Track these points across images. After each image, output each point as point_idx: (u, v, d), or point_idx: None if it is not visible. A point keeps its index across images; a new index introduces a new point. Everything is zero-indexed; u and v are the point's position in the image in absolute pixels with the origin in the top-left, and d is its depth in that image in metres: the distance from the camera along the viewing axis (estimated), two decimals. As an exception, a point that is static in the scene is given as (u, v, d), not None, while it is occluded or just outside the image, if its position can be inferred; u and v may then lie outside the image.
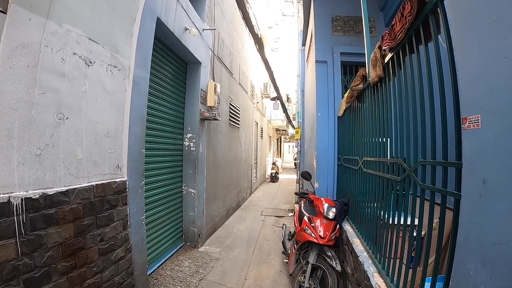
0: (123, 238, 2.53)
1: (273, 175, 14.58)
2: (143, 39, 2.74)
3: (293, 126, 17.24)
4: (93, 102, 2.19)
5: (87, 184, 2.14)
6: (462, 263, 0.89)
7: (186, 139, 4.39)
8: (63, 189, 1.93)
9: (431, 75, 1.30)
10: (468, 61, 0.87)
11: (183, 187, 4.41)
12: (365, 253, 2.32)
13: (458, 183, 1.09)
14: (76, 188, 2.04)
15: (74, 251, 2.01)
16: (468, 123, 0.87)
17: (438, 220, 1.46)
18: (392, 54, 1.72)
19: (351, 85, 2.69)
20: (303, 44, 7.53)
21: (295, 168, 23.02)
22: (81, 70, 2.07)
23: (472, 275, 0.84)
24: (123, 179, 2.51)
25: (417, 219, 1.78)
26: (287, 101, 18.19)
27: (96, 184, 2.22)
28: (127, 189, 2.55)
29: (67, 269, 1.90)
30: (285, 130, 22.42)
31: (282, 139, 28.96)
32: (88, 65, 2.14)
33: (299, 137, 8.44)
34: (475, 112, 0.84)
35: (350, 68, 4.46)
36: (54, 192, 1.86)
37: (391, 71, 1.82)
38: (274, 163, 15.62)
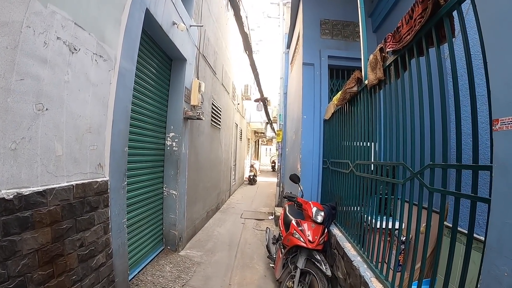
0: (104, 243, 2.34)
1: (251, 177, 14.51)
2: (131, 29, 2.57)
3: (273, 128, 17.31)
4: (76, 93, 2.00)
5: (66, 184, 1.94)
6: (494, 265, 0.88)
7: (168, 139, 4.20)
8: (40, 189, 1.73)
9: (443, 77, 1.30)
10: (502, 63, 0.87)
11: (164, 188, 4.21)
12: (359, 258, 2.31)
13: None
14: (55, 188, 1.84)
15: (52, 258, 1.81)
16: (501, 124, 0.86)
17: (425, 224, 1.47)
18: (396, 56, 1.72)
19: (345, 88, 2.70)
20: (288, 47, 7.59)
21: (273, 171, 23.14)
22: (64, 57, 1.88)
23: (507, 276, 0.83)
24: (104, 179, 2.32)
25: (402, 223, 1.80)
26: (267, 103, 18.25)
27: (76, 184, 2.02)
28: (108, 190, 2.36)
29: (44, 279, 1.70)
30: (263, 133, 22.47)
31: (260, 142, 29.02)
32: (73, 52, 1.95)
33: (280, 140, 8.46)
34: (510, 113, 0.83)
35: (337, 72, 4.52)
36: (30, 192, 1.65)
37: (392, 74, 1.82)
38: (252, 166, 15.58)
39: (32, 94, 1.67)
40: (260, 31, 16.45)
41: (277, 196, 8.38)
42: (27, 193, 1.64)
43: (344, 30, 4.42)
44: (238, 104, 11.01)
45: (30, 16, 1.62)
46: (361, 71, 2.52)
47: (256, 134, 22.69)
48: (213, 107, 6.47)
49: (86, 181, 2.12)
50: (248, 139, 18.08)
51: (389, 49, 1.75)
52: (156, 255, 3.94)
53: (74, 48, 1.96)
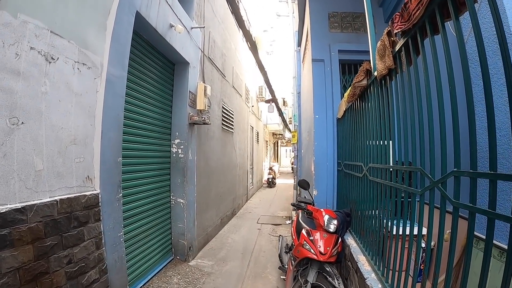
0: (96, 259, 2.21)
1: (270, 180, 14.24)
2: (119, 34, 2.44)
3: (289, 130, 16.98)
4: (56, 104, 1.88)
5: (49, 199, 1.82)
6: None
7: (173, 145, 4.08)
8: (19, 205, 1.64)
9: (466, 58, 1.01)
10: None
11: (171, 197, 4.08)
12: (373, 275, 2.02)
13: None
14: (35, 204, 1.74)
15: (36, 276, 1.72)
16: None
17: (450, 231, 1.19)
18: (406, 38, 1.44)
19: (353, 82, 2.42)
20: (299, 45, 7.31)
21: (293, 172, 22.66)
22: (40, 68, 1.77)
23: None
24: (94, 192, 2.20)
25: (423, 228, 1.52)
26: (284, 104, 17.96)
27: (61, 199, 1.90)
28: (99, 203, 2.23)
29: (26, 297, 1.60)
30: (281, 134, 22.16)
31: (279, 144, 28.68)
32: (50, 62, 1.84)
33: (295, 141, 8.17)
34: None
35: (349, 67, 4.20)
36: (7, 209, 1.57)
37: (403, 60, 1.54)
38: (271, 168, 15.31)
39: (4, 108, 1.58)
40: (273, 32, 16.23)
41: (294, 199, 8.08)
42: (4, 211, 1.56)
43: (354, 22, 4.10)
44: (253, 106, 10.82)
45: (-2, 28, 1.53)
46: (370, 62, 2.23)
47: (275, 136, 22.42)
48: (224, 110, 6.31)
49: (72, 195, 1.99)
50: (266, 141, 17.85)
51: (397, 30, 1.47)
52: (165, 265, 3.81)
53: (52, 57, 1.84)
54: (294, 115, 8.50)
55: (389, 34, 1.62)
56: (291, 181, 16.10)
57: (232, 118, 7.13)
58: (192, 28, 4.12)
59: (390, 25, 1.56)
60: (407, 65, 1.53)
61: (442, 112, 1.23)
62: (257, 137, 12.79)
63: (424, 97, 1.37)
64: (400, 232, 1.73)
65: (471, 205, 0.98)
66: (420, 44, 1.34)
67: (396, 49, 1.59)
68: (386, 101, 1.93)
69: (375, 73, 1.98)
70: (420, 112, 1.44)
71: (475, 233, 1.73)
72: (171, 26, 3.39)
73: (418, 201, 1.55)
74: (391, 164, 1.91)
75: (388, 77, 1.84)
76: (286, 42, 16.41)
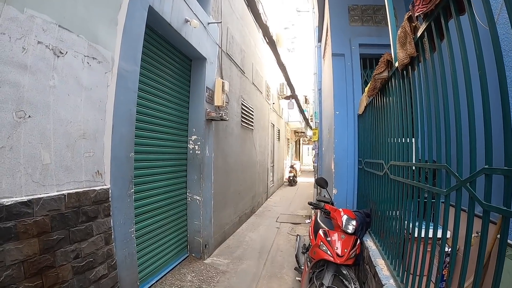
0: (105, 254, 2.21)
1: (291, 178, 14.06)
2: (131, 28, 2.42)
3: (310, 127, 16.64)
4: (65, 98, 1.88)
5: (56, 193, 1.83)
6: None
7: (190, 142, 4.06)
8: (24, 199, 1.65)
9: (498, 37, 0.85)
10: None
11: (187, 194, 4.07)
12: (392, 281, 1.85)
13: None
14: (42, 197, 1.74)
15: (41, 269, 1.73)
16: None
17: (477, 233, 1.03)
18: (428, 22, 1.27)
19: (374, 74, 2.24)
20: (319, 40, 7.08)
21: (314, 171, 22.17)
22: (48, 62, 1.78)
23: None
24: (104, 187, 2.20)
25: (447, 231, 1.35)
26: (305, 102, 17.64)
27: (69, 193, 1.91)
28: (110, 199, 2.23)
29: (31, 290, 1.61)
30: (303, 132, 21.81)
31: (301, 142, 28.27)
32: (58, 56, 1.84)
33: (316, 139, 7.95)
34: None
35: (371, 61, 3.98)
36: (12, 202, 1.58)
37: (426, 47, 1.36)
38: (292, 166, 15.10)
39: (11, 102, 1.59)
40: (294, 29, 15.96)
41: (314, 198, 7.87)
42: (9, 203, 1.57)
43: (375, 15, 3.87)
44: (274, 103, 10.68)
45: (4, 23, 1.55)
46: (391, 53, 2.04)
47: (296, 133, 22.10)
48: (243, 107, 6.24)
49: (81, 189, 2.00)
50: (288, 139, 17.63)
51: (418, 13, 1.30)
52: (179, 263, 3.81)
53: (60, 52, 1.85)
54: (315, 112, 8.27)
55: (410, 19, 1.44)
56: (312, 180, 15.78)
57: (252, 115, 7.04)
58: (208, 23, 4.07)
59: (411, 9, 1.38)
60: (431, 51, 1.35)
61: (471, 102, 1.06)
62: (278, 134, 12.64)
63: (450, 87, 1.20)
64: (423, 235, 1.57)
65: (505, 208, 0.81)
66: (444, 26, 1.16)
67: (418, 35, 1.41)
68: (409, 94, 1.75)
69: (396, 64, 1.80)
70: (445, 103, 1.26)
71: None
72: (186, 21, 3.35)
73: (442, 202, 1.38)
74: (413, 162, 1.73)
75: (410, 67, 1.66)
76: (307, 39, 16.08)
